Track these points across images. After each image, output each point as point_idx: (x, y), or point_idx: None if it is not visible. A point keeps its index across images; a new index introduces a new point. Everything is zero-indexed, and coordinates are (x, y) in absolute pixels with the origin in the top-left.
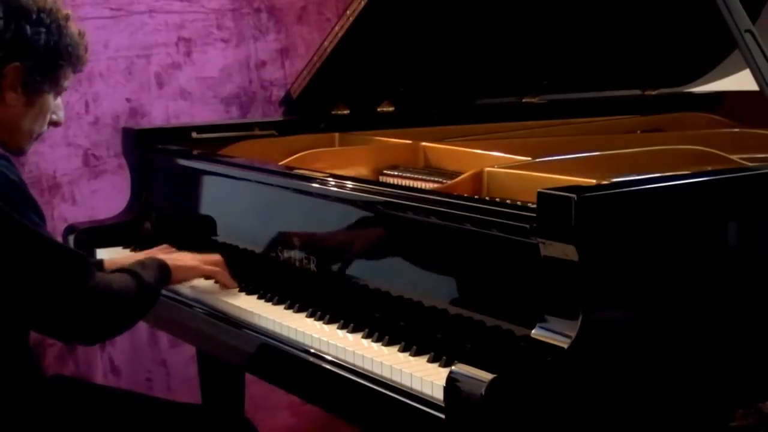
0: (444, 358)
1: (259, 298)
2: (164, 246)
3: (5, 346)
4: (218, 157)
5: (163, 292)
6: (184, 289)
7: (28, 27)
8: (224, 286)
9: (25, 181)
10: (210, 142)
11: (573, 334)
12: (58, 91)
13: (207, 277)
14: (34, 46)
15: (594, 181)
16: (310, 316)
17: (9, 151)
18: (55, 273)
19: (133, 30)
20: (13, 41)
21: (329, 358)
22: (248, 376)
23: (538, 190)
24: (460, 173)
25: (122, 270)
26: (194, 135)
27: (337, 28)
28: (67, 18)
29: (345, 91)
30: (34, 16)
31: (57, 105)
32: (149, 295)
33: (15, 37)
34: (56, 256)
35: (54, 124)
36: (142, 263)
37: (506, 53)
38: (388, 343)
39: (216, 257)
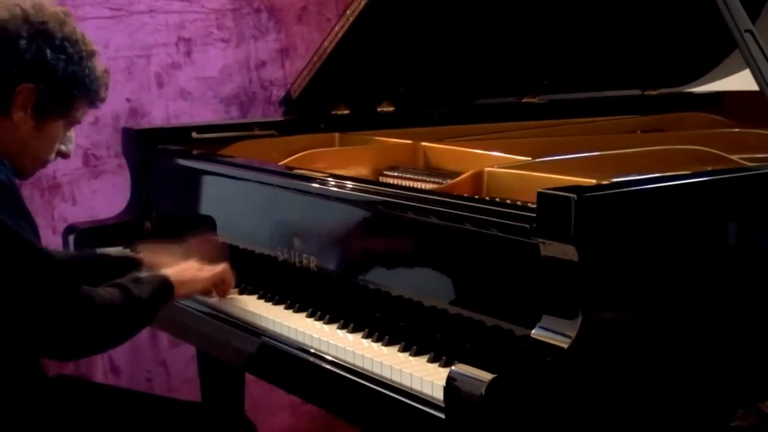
0: (444, 358)
1: (259, 298)
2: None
3: (5, 346)
4: (218, 157)
5: None
6: None
7: (48, 51)
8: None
9: (17, 187)
10: (210, 142)
11: (573, 334)
12: (70, 121)
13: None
14: (51, 71)
15: (594, 181)
16: (310, 316)
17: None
18: (35, 282)
19: (133, 30)
20: (31, 62)
21: (329, 358)
22: (248, 376)
23: (538, 190)
24: (460, 173)
25: (114, 285)
26: (194, 135)
27: (337, 28)
28: (92, 54)
29: (345, 91)
30: (58, 43)
31: (68, 137)
32: (138, 312)
33: (34, 58)
34: (38, 264)
35: (62, 155)
36: (137, 278)
37: (506, 53)
38: (388, 343)
39: (224, 269)
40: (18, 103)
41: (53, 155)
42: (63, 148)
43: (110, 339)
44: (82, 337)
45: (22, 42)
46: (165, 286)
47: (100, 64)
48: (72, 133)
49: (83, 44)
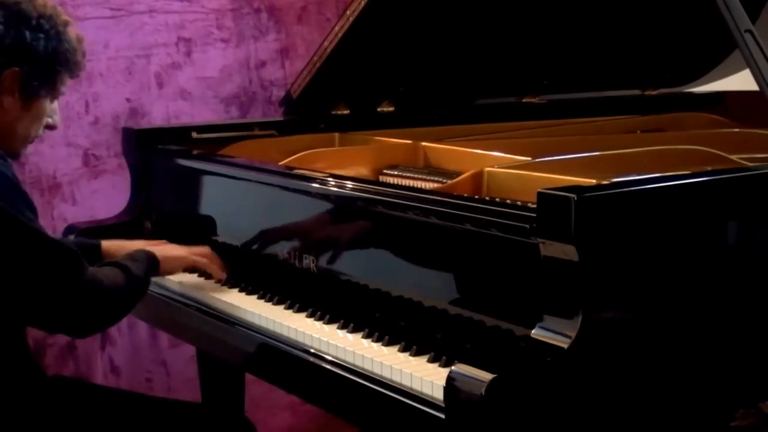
0: (444, 358)
1: (259, 298)
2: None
3: (3, 346)
4: (218, 157)
5: (163, 292)
6: (184, 289)
7: (27, 33)
8: (214, 276)
9: (18, 178)
10: (210, 142)
11: (573, 334)
12: (54, 95)
13: (197, 271)
14: (32, 52)
15: (594, 181)
16: (310, 316)
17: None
18: (48, 267)
19: (133, 30)
20: (12, 47)
21: (329, 358)
22: (248, 376)
23: (538, 190)
24: (460, 173)
25: (112, 263)
26: (194, 135)
27: (337, 28)
28: (66, 24)
29: (345, 91)
30: (34, 22)
31: (53, 109)
32: (138, 288)
33: (14, 42)
34: (50, 251)
35: (49, 127)
36: (131, 256)
37: (506, 53)
38: (388, 343)
39: (205, 249)
40: (5, 89)
41: (42, 130)
42: (49, 120)
43: (116, 315)
44: (93, 315)
45: (0, 28)
46: (153, 262)
47: (74, 31)
48: (56, 104)
49: (57, 17)
